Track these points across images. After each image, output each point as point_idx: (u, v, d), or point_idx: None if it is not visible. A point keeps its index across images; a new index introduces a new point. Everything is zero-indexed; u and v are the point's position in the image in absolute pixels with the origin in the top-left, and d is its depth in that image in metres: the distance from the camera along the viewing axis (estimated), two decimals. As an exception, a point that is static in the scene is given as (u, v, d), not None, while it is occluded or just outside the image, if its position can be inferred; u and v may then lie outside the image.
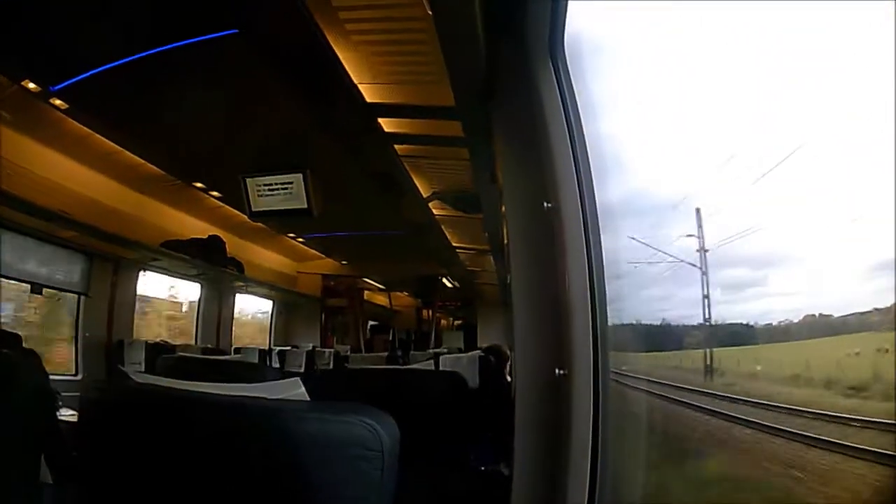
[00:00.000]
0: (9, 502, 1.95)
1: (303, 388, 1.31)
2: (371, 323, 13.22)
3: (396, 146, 4.50)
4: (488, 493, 2.66)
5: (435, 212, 6.10)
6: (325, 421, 1.16)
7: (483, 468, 3.10)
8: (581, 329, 1.77)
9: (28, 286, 5.12)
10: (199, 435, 1.18)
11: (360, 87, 3.61)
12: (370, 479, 1.12)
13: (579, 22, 2.29)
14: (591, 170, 1.94)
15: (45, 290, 5.26)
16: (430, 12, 2.42)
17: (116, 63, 3.38)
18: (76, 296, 5.68)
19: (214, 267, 7.16)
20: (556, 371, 1.82)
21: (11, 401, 1.97)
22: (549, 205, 1.93)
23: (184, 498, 1.18)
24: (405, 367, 5.01)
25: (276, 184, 4.94)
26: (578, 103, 2.09)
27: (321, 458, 1.11)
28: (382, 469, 1.12)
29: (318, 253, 9.42)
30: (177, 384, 1.37)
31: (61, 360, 5.54)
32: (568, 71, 2.12)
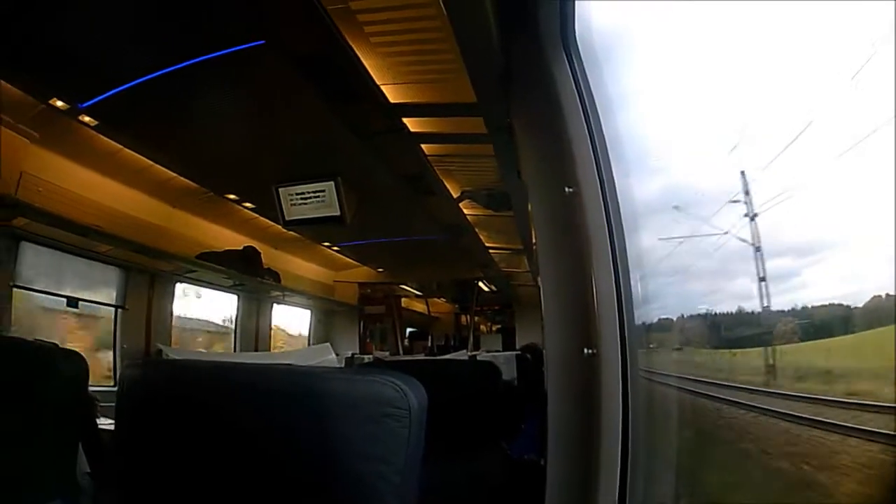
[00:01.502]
0: (46, 488, 2.02)
1: (333, 355, 1.38)
2: (409, 329, 13.25)
3: (423, 146, 4.54)
4: (526, 481, 2.69)
5: (466, 212, 6.12)
6: (354, 381, 1.23)
7: (523, 457, 3.14)
8: (607, 308, 1.81)
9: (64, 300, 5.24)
10: (235, 399, 1.25)
11: (382, 88, 3.67)
12: (398, 436, 1.18)
13: (594, 15, 2.34)
14: (609, 154, 1.98)
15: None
16: (445, 10, 2.48)
17: (144, 78, 3.48)
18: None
19: (250, 277, 7.24)
20: (585, 350, 1.85)
21: (51, 388, 2.05)
22: (571, 189, 1.97)
23: (220, 459, 1.24)
24: (440, 357, 5.05)
25: (309, 192, 5.00)
26: (594, 92, 2.14)
27: (351, 416, 1.17)
28: (409, 428, 1.18)
29: (353, 261, 9.47)
30: (210, 356, 1.43)
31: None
32: (581, 61, 2.17)
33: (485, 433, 2.90)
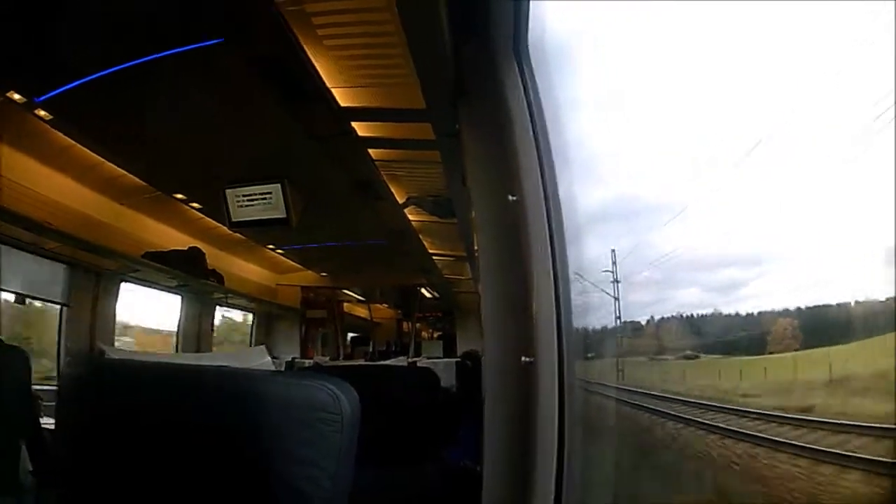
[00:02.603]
0: None
1: (269, 358, 1.37)
2: (351, 335, 13.18)
3: (371, 151, 4.53)
4: (463, 488, 2.69)
5: (411, 218, 6.13)
6: (287, 384, 1.22)
7: (461, 464, 3.13)
8: (546, 316, 1.83)
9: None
10: (170, 399, 1.23)
11: (333, 91, 3.65)
12: (329, 441, 1.17)
13: (548, 22, 2.37)
14: (554, 164, 2.00)
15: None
16: (398, 15, 2.48)
17: (101, 73, 3.42)
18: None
19: (194, 278, 7.15)
20: (523, 358, 1.86)
21: None
22: (514, 197, 1.98)
23: (155, 459, 1.22)
24: (378, 363, 5.08)
25: (256, 194, 4.97)
26: (543, 101, 2.16)
27: (283, 419, 1.16)
28: (341, 432, 1.17)
29: (297, 265, 9.43)
30: (149, 357, 1.42)
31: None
32: (532, 68, 2.19)
33: (422, 439, 2.89)
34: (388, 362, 4.55)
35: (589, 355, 1.96)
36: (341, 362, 9.94)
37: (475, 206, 2.24)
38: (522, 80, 2.16)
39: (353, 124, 4.04)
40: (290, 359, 8.14)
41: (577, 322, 2.09)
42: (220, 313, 8.73)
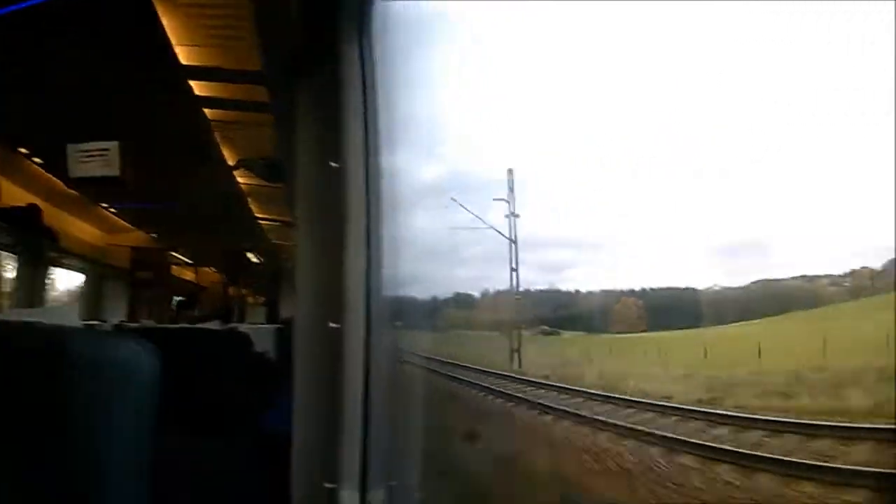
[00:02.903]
0: None
1: (76, 317, 1.34)
2: (177, 298, 12.73)
3: (207, 111, 4.41)
4: (275, 453, 2.69)
5: (241, 182, 6.00)
6: (86, 342, 1.18)
7: (274, 429, 3.12)
8: (355, 284, 1.86)
9: None
10: None
11: (176, 49, 3.52)
12: (129, 402, 1.15)
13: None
14: (383, 135, 2.02)
15: None
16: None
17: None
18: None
19: (29, 237, 6.87)
20: (331, 324, 1.89)
21: None
22: (335, 164, 1.99)
23: None
24: (192, 326, 4.99)
25: (94, 151, 4.74)
26: (383, 74, 2.17)
27: (83, 378, 1.12)
28: (142, 393, 1.16)
29: (130, 226, 9.06)
30: None
31: None
32: (375, 41, 2.18)
33: (234, 403, 2.85)
34: (204, 326, 4.45)
35: (398, 324, 2.01)
36: (168, 325, 9.61)
37: (298, 170, 2.22)
38: (361, 49, 2.15)
39: (192, 83, 3.92)
40: (117, 321, 7.75)
41: (396, 291, 2.15)
42: (54, 272, 8.27)
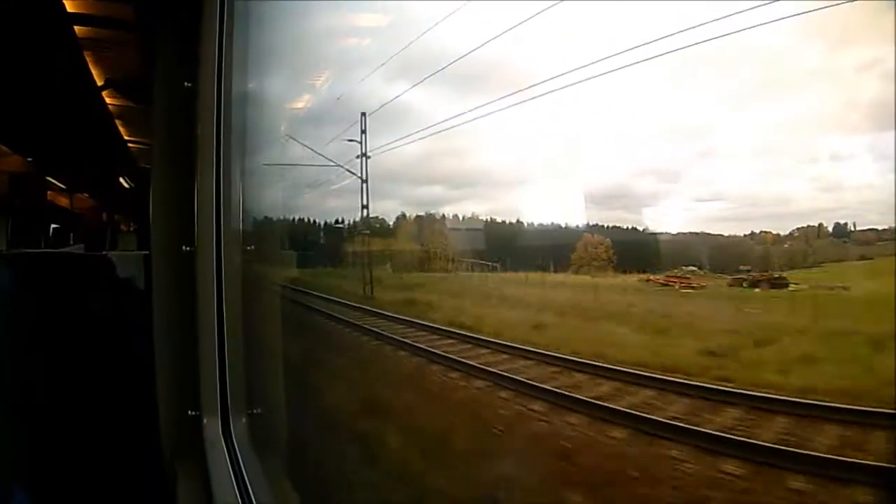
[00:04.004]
0: None
1: None
2: (53, 226, 12.06)
3: (77, 28, 4.10)
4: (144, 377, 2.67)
5: (109, 102, 5.65)
6: None
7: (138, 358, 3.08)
8: (207, 209, 1.85)
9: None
10: None
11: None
12: None
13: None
14: (234, 55, 1.97)
15: None
16: None
17: None
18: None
19: None
20: (184, 248, 1.88)
21: None
22: (189, 84, 1.94)
23: None
24: (54, 251, 4.82)
25: None
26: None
27: None
28: None
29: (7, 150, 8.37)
30: None
31: None
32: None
33: (95, 329, 2.79)
34: (64, 250, 4.29)
35: (249, 248, 2.01)
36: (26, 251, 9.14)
37: (155, 91, 2.15)
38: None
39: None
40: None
41: (254, 217, 2.15)
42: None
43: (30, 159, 9.08)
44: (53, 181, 10.75)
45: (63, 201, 12.10)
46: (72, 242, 11.96)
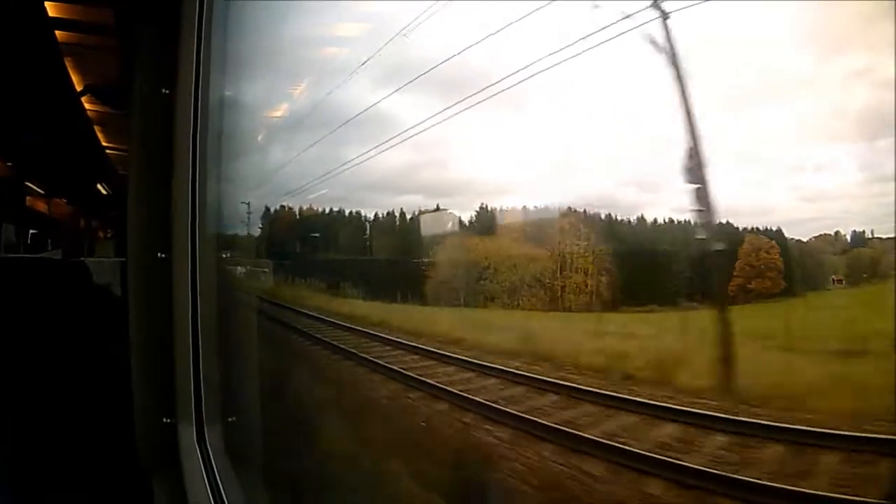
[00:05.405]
0: None
1: None
2: (32, 232, 11.96)
3: (58, 33, 4.08)
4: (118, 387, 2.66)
5: (88, 108, 5.61)
6: None
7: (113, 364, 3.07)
8: (181, 215, 1.85)
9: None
10: None
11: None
12: None
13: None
14: (212, 62, 1.98)
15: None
16: None
17: None
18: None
19: None
20: (159, 254, 1.88)
21: None
22: (166, 91, 1.93)
23: None
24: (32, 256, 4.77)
25: None
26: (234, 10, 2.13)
27: None
28: None
29: None
30: None
31: None
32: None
33: (71, 335, 2.77)
34: (41, 255, 4.26)
35: (224, 254, 2.01)
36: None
37: (132, 97, 2.14)
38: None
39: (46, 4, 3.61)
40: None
41: (234, 222, 2.14)
42: None
43: (9, 164, 8.99)
44: (32, 186, 10.64)
45: (41, 206, 12.00)
46: (49, 248, 11.91)
